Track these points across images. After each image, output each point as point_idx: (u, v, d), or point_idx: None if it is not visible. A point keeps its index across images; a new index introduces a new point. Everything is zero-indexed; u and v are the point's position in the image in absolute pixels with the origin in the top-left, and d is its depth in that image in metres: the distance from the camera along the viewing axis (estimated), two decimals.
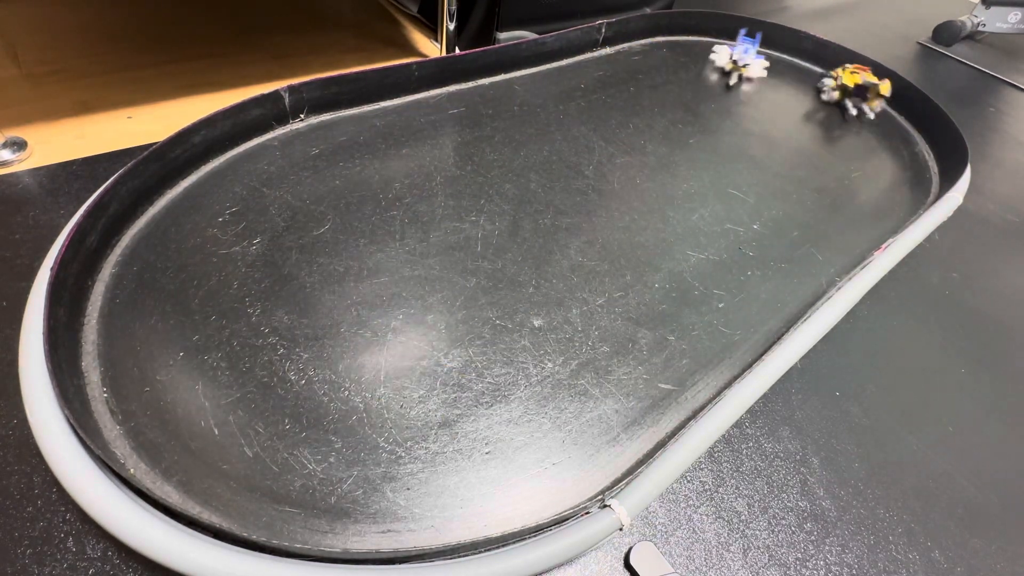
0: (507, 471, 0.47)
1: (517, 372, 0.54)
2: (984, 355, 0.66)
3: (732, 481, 0.50)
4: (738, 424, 0.54)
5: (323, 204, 0.67)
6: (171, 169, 0.66)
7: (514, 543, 0.42)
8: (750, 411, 0.55)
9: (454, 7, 0.95)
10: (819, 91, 1.09)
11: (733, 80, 1.07)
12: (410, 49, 1.08)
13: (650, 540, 0.45)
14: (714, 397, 0.54)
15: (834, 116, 1.04)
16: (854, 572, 0.46)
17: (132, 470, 0.43)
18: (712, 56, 1.12)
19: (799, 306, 0.65)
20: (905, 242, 0.74)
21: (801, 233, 0.76)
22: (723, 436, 0.53)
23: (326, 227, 0.65)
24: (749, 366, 0.57)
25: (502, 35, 1.03)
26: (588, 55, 1.08)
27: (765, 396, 0.56)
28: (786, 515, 0.49)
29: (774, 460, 0.52)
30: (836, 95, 1.06)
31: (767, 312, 0.64)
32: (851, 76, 1.05)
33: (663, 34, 1.20)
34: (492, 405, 0.51)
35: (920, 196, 0.88)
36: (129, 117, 0.79)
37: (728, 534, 0.47)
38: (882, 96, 1.04)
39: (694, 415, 0.52)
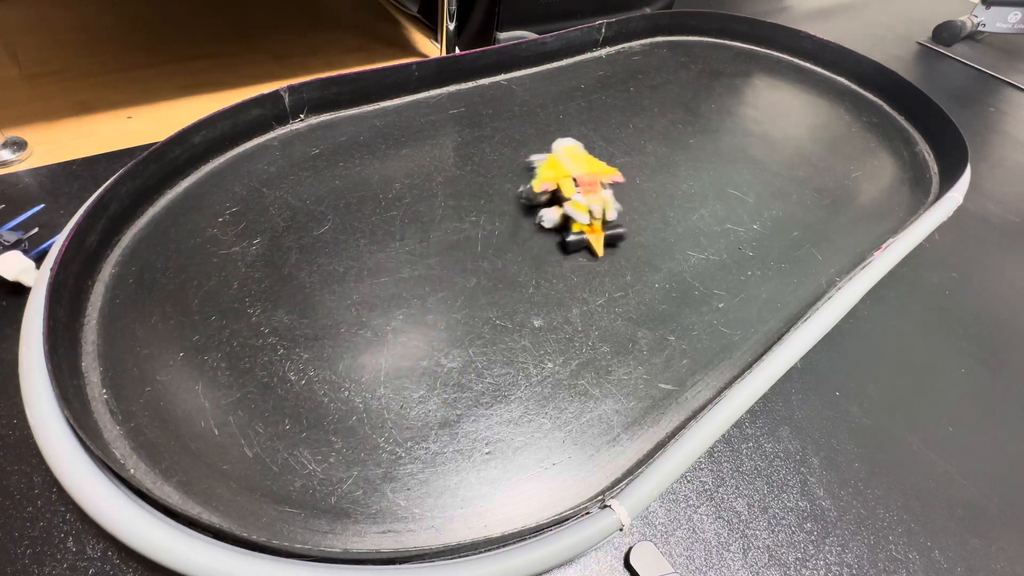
0: (507, 471, 0.47)
1: (517, 372, 0.54)
2: (984, 355, 0.66)
3: (732, 481, 0.50)
4: (738, 424, 0.54)
5: (323, 204, 0.67)
6: (171, 169, 0.66)
7: (514, 543, 0.42)
8: (750, 411, 0.55)
9: (454, 7, 0.95)
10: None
11: None
12: (410, 49, 1.08)
13: (650, 540, 0.45)
14: (714, 397, 0.54)
15: (834, 116, 1.04)
16: (854, 572, 0.46)
17: (132, 470, 0.43)
18: None
19: (799, 306, 0.65)
20: (905, 242, 0.74)
21: (801, 233, 0.76)
22: (723, 436, 0.53)
23: (326, 227, 0.65)
24: (749, 366, 0.57)
25: (502, 35, 1.03)
26: (588, 55, 1.08)
27: (765, 396, 0.56)
28: (786, 515, 0.49)
29: (774, 460, 0.52)
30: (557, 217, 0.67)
31: (767, 312, 0.64)
32: (555, 171, 0.68)
33: (663, 34, 1.20)
34: (492, 405, 0.51)
35: (920, 196, 0.88)
36: (129, 117, 0.79)
37: (728, 534, 0.47)
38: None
39: (694, 415, 0.52)
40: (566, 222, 0.66)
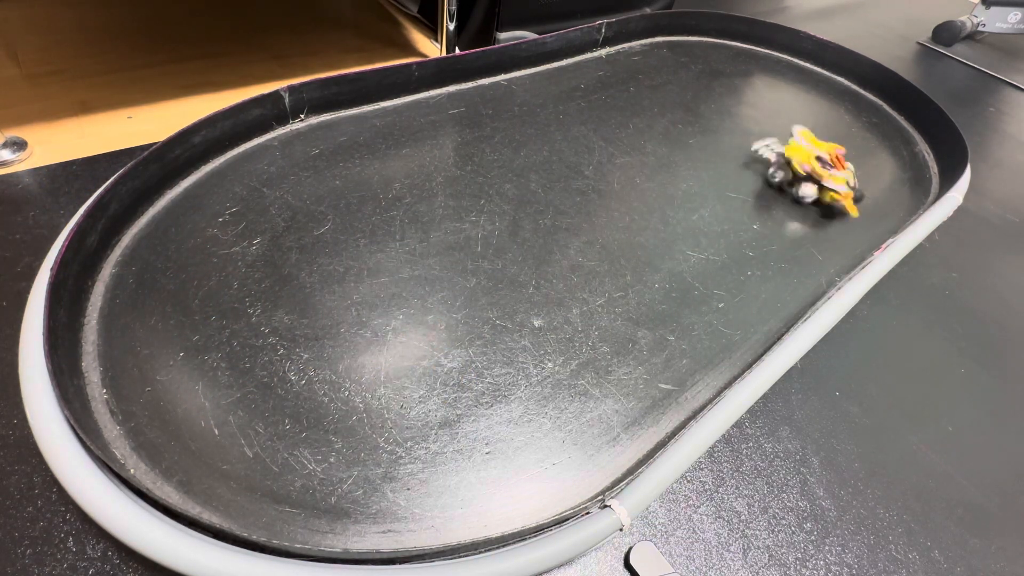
0: (507, 471, 0.47)
1: (517, 372, 0.54)
2: (984, 355, 0.66)
3: (732, 481, 0.50)
4: (738, 424, 0.54)
5: (323, 204, 0.67)
6: (171, 169, 0.66)
7: (514, 543, 0.42)
8: (750, 411, 0.55)
9: (454, 7, 0.95)
10: (771, 166, 0.83)
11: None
12: (410, 49, 1.08)
13: (650, 540, 0.45)
14: (714, 397, 0.54)
15: (834, 116, 1.04)
16: (854, 572, 0.46)
17: (132, 470, 0.43)
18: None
19: (799, 306, 0.65)
20: (905, 242, 0.74)
21: (801, 233, 0.76)
22: (723, 436, 0.53)
23: (326, 227, 0.65)
24: (749, 366, 0.57)
25: (502, 35, 1.03)
26: (588, 55, 1.08)
27: (765, 396, 0.56)
28: (786, 515, 0.49)
29: (774, 460, 0.52)
30: (780, 176, 0.82)
31: (767, 312, 0.64)
32: (803, 155, 0.79)
33: (663, 34, 1.20)
34: (492, 405, 0.51)
35: (920, 196, 0.88)
36: (129, 117, 0.79)
37: (728, 534, 0.47)
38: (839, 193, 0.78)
39: (694, 415, 0.52)
40: (819, 192, 0.80)
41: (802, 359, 0.60)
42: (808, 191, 0.80)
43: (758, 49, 1.22)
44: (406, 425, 0.49)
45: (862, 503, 0.50)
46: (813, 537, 0.47)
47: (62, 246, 0.51)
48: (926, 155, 0.98)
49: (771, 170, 0.83)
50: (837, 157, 0.80)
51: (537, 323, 0.58)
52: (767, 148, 0.85)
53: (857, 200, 0.81)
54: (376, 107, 0.84)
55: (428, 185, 0.72)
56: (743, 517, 0.48)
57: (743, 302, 0.65)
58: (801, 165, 0.79)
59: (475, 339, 0.56)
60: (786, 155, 0.81)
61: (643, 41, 1.17)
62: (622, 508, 0.44)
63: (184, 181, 0.67)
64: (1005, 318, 0.71)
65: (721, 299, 0.65)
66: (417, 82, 0.87)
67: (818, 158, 0.79)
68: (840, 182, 0.78)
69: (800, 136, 0.82)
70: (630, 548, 0.44)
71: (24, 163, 0.69)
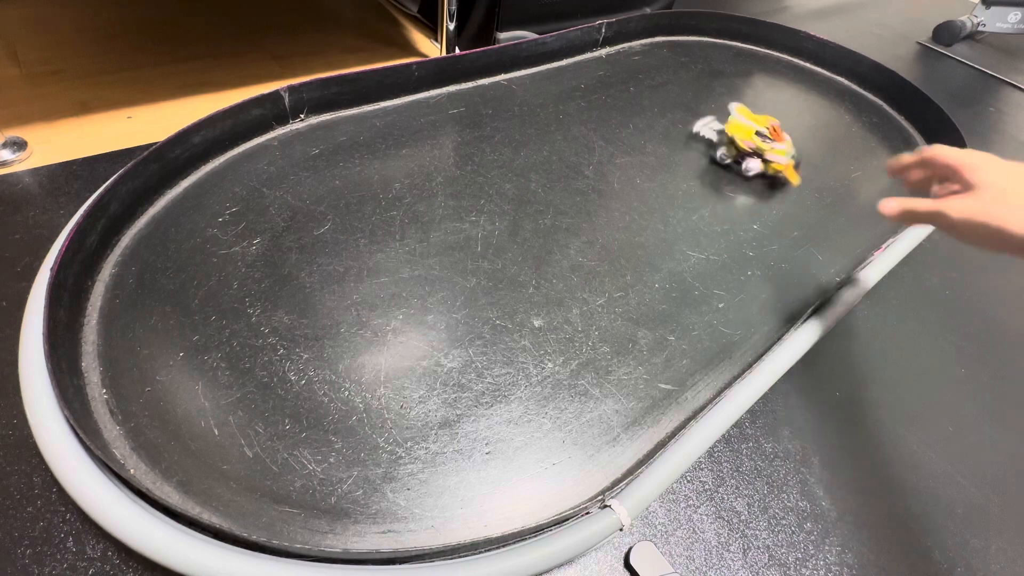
0: (507, 471, 0.47)
1: (517, 372, 0.54)
2: (984, 355, 0.66)
3: (732, 481, 0.50)
4: (738, 424, 0.54)
5: (323, 204, 0.67)
6: (171, 169, 0.66)
7: (514, 543, 0.42)
8: (750, 411, 0.55)
9: (454, 7, 0.95)
10: (714, 145, 0.86)
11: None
12: (410, 49, 1.08)
13: (650, 540, 0.45)
14: (714, 397, 0.54)
15: (834, 116, 1.04)
16: (854, 572, 0.46)
17: (132, 470, 0.43)
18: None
19: (799, 306, 0.65)
20: (905, 242, 0.74)
21: (801, 233, 0.76)
22: (723, 436, 0.53)
23: (326, 227, 0.65)
24: (749, 366, 0.57)
25: (502, 35, 1.03)
26: (588, 55, 1.08)
27: (765, 396, 0.56)
28: (786, 515, 0.49)
29: (774, 460, 0.52)
30: (729, 155, 0.84)
31: (767, 312, 0.64)
32: (744, 132, 0.81)
33: (663, 34, 1.20)
34: (492, 405, 0.51)
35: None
36: (129, 117, 0.79)
37: (728, 534, 0.47)
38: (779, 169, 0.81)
39: (694, 415, 0.52)
40: (765, 166, 0.82)
41: (802, 359, 0.60)
42: (753, 165, 0.82)
43: (758, 49, 1.22)
44: (406, 425, 0.49)
45: (862, 503, 0.50)
46: (813, 537, 0.47)
47: (62, 246, 0.51)
48: None
49: (719, 153, 0.85)
50: (774, 129, 0.83)
51: (537, 323, 0.58)
52: (706, 127, 0.87)
53: (796, 167, 0.83)
54: (376, 107, 0.84)
55: (428, 185, 0.72)
56: (743, 517, 0.48)
57: (743, 302, 0.65)
58: (744, 142, 0.82)
59: (475, 339, 0.56)
60: (728, 133, 0.83)
61: (643, 41, 1.17)
62: (622, 508, 0.44)
63: (184, 181, 0.67)
64: (1005, 318, 0.71)
65: (721, 299, 0.65)
66: (417, 82, 0.87)
67: (758, 133, 0.82)
68: (781, 154, 0.81)
69: (738, 113, 0.84)
70: (630, 548, 0.44)
71: (24, 163, 0.69)
